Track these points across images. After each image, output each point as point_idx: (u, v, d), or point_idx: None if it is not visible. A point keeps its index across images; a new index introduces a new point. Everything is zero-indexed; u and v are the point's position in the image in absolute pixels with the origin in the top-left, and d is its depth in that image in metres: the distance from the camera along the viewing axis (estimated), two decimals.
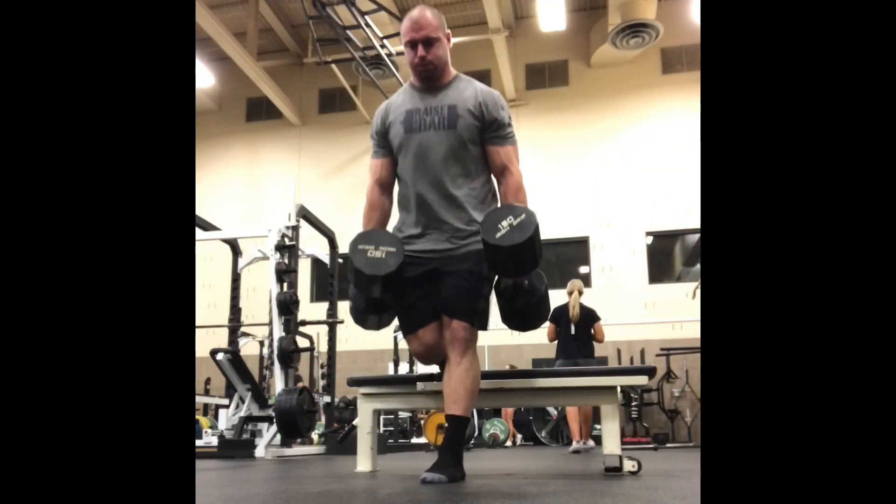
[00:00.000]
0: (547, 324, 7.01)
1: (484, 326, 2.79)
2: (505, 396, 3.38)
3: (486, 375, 3.25)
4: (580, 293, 7.81)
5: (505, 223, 2.52)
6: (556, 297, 15.22)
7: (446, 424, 2.73)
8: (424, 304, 2.75)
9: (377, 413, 3.57)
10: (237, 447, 6.50)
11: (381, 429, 6.69)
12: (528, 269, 2.66)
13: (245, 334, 8.99)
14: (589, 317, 7.76)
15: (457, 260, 2.70)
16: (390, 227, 2.92)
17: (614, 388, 3.16)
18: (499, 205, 2.81)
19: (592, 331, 7.78)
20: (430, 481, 2.44)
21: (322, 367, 9.05)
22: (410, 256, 2.74)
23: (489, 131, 2.75)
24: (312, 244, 8.82)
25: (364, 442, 3.50)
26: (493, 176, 2.84)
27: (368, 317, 2.93)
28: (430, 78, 2.75)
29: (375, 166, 2.90)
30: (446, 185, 2.72)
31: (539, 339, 14.05)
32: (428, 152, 2.71)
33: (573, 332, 7.64)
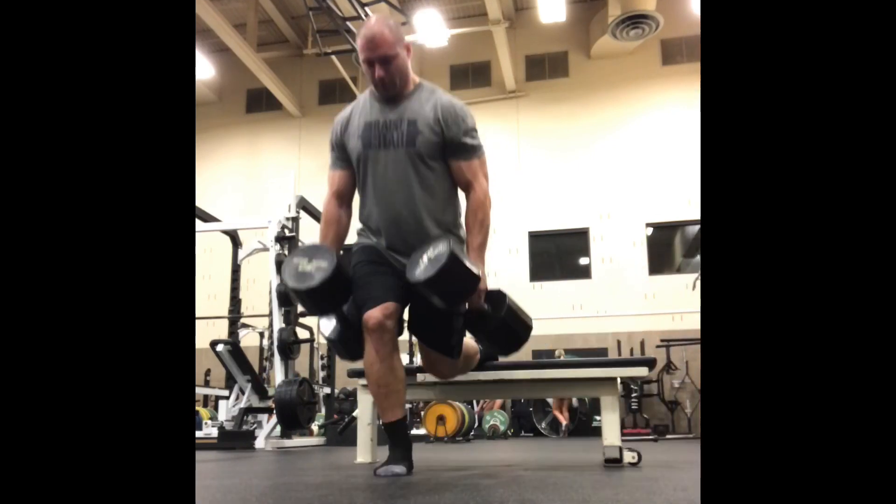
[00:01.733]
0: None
1: (460, 353, 2.82)
2: (505, 388, 3.38)
3: (487, 367, 3.26)
4: None
5: (424, 258, 2.44)
6: (555, 291, 15.17)
7: (390, 429, 2.64)
8: (389, 280, 2.60)
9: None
10: (237, 438, 6.51)
11: (381, 421, 6.69)
12: (459, 297, 2.54)
13: (245, 325, 9.00)
14: None
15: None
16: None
17: (614, 379, 3.16)
18: (462, 220, 2.74)
19: None
20: (384, 475, 2.42)
21: (322, 358, 9.06)
22: (383, 252, 2.66)
23: (451, 147, 2.63)
24: (312, 235, 8.80)
25: (364, 433, 3.51)
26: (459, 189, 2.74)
27: (339, 345, 2.75)
28: (390, 93, 2.62)
29: (333, 178, 2.79)
30: (406, 205, 2.61)
31: (538, 330, 14.09)
32: (386, 170, 2.61)
33: None
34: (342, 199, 2.79)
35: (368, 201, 2.69)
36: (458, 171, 2.66)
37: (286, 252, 7.05)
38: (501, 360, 3.33)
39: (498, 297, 2.66)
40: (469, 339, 2.92)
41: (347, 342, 2.72)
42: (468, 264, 2.46)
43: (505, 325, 2.64)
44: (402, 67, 2.59)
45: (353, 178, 2.76)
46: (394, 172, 2.61)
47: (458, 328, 2.72)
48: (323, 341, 9.14)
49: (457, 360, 2.83)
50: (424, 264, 2.42)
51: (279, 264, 6.95)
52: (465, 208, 2.69)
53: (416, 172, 2.60)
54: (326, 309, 2.67)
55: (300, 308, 7.26)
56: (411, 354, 8.08)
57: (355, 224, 2.84)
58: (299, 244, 2.66)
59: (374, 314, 2.52)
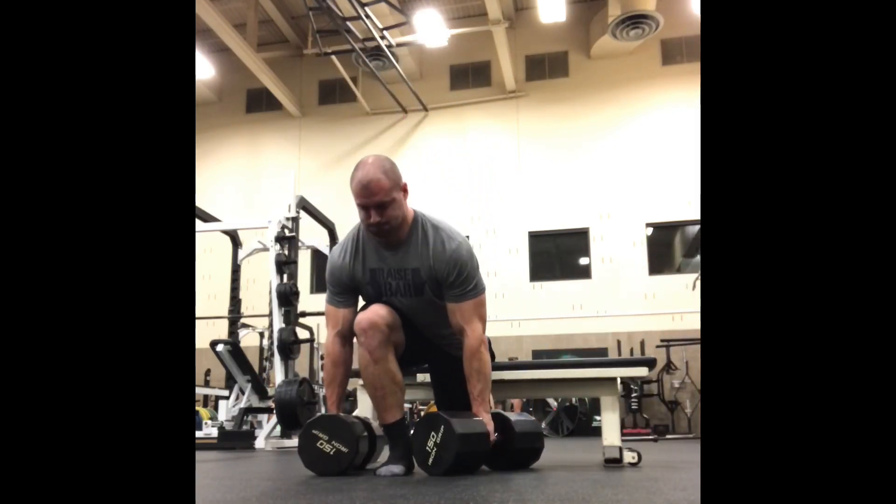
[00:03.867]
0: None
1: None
2: (506, 388, 3.38)
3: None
4: None
5: (430, 444, 2.40)
6: (555, 290, 15.17)
7: (389, 430, 2.65)
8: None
9: None
10: (237, 438, 6.52)
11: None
12: (480, 460, 2.56)
13: (245, 325, 9.01)
14: None
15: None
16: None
17: (614, 379, 3.16)
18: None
19: None
20: (384, 475, 2.42)
21: (322, 358, 9.06)
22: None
23: (445, 289, 2.58)
24: (312, 235, 8.82)
25: None
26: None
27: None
28: (387, 238, 2.56)
29: (336, 317, 2.69)
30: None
31: (539, 330, 14.14)
32: (404, 309, 2.63)
33: None
34: (346, 338, 2.69)
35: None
36: (451, 312, 2.60)
37: (286, 252, 7.05)
38: (502, 360, 3.33)
39: (503, 421, 2.75)
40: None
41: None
42: (476, 427, 2.48)
43: (519, 448, 2.79)
44: (399, 211, 2.51)
45: (354, 315, 2.67)
46: (410, 311, 2.65)
47: None
48: (323, 341, 9.17)
49: None
50: (433, 453, 2.41)
51: (279, 264, 6.96)
52: (463, 357, 2.59)
53: (434, 312, 2.64)
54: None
55: (300, 308, 7.29)
56: None
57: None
58: (320, 419, 2.58)
59: (365, 316, 2.54)
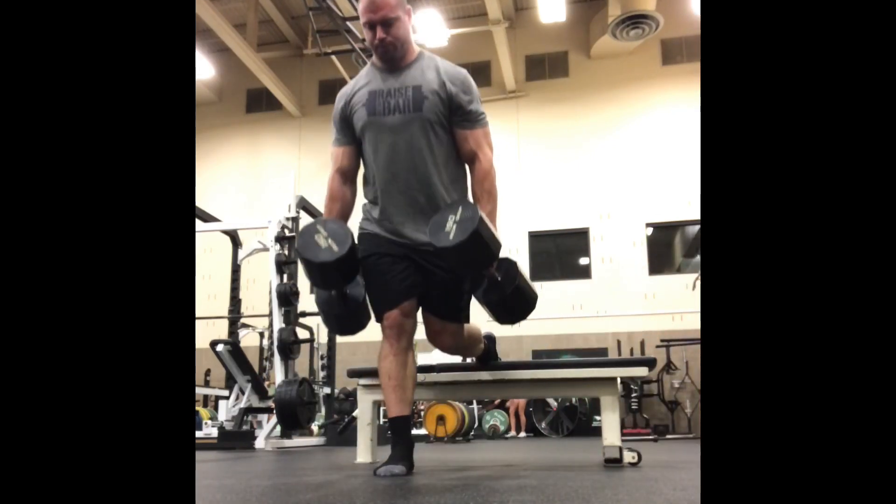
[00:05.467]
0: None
1: (468, 318, 2.80)
2: (505, 387, 3.38)
3: (488, 367, 3.26)
4: None
5: (449, 223, 2.41)
6: (555, 290, 15.16)
7: (394, 424, 2.63)
8: (403, 277, 2.64)
9: (377, 404, 3.58)
10: (237, 438, 6.51)
11: (381, 420, 6.71)
12: (484, 264, 2.52)
13: (245, 325, 9.00)
14: None
15: (435, 256, 2.56)
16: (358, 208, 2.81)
17: (614, 379, 3.16)
18: (469, 191, 2.71)
19: None
20: (384, 474, 2.40)
21: (322, 358, 9.06)
22: (387, 238, 2.66)
23: (456, 114, 2.62)
24: None
25: (364, 433, 3.50)
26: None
27: (333, 318, 2.78)
28: (392, 59, 2.61)
29: (337, 154, 2.76)
30: (415, 171, 2.60)
31: (539, 330, 14.13)
32: (394, 136, 2.59)
33: None
34: (346, 175, 2.76)
35: (374, 173, 2.67)
36: (462, 139, 2.65)
37: (286, 252, 7.05)
38: (502, 360, 3.33)
39: (509, 264, 2.65)
40: (475, 324, 2.91)
41: (341, 319, 2.75)
42: (492, 228, 2.48)
43: (517, 292, 2.63)
44: (403, 31, 2.58)
45: (356, 153, 2.74)
46: (401, 138, 2.59)
47: (466, 290, 2.71)
48: (323, 341, 9.17)
49: (462, 328, 2.79)
50: (452, 228, 2.40)
51: (279, 264, 6.96)
52: (471, 179, 2.68)
53: (426, 138, 2.59)
54: (333, 285, 2.66)
55: (300, 308, 7.29)
56: None
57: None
58: (316, 221, 2.67)
59: (393, 315, 2.60)
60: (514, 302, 2.65)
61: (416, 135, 2.58)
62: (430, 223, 2.47)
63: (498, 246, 2.50)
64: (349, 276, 2.62)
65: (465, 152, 2.66)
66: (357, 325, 2.78)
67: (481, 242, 2.41)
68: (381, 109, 2.61)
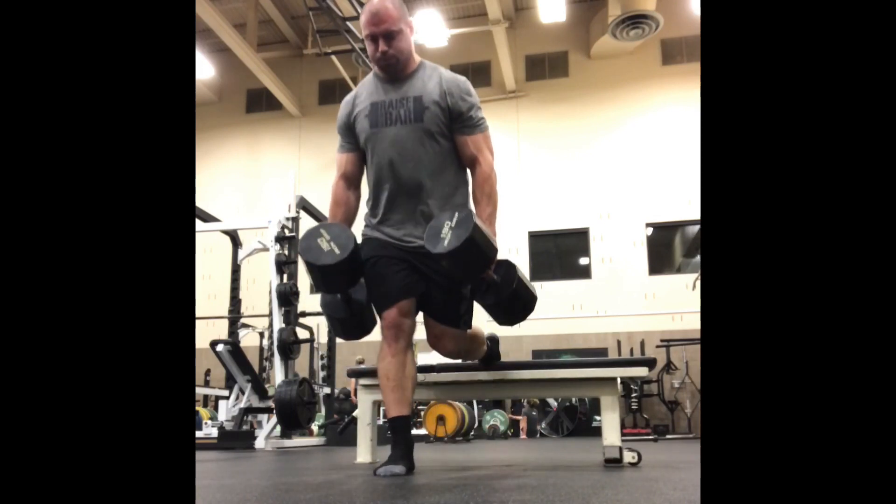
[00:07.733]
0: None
1: (469, 324, 2.80)
2: (505, 388, 3.38)
3: (487, 367, 3.26)
4: None
5: (445, 229, 2.43)
6: (555, 290, 15.16)
7: (393, 424, 2.62)
8: (402, 277, 2.63)
9: (377, 404, 3.57)
10: (237, 438, 6.52)
11: (381, 420, 6.72)
12: (480, 269, 2.53)
13: (245, 325, 9.00)
14: None
15: (432, 260, 2.55)
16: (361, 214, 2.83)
17: (614, 379, 3.16)
18: (470, 196, 2.73)
19: None
20: (384, 474, 2.39)
21: (322, 358, 9.07)
22: (387, 242, 2.66)
23: (457, 121, 2.65)
24: None
25: (364, 433, 3.50)
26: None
27: (336, 322, 2.80)
28: (394, 70, 2.64)
29: (341, 161, 2.82)
30: (416, 181, 2.62)
31: (539, 330, 14.13)
32: (396, 147, 2.62)
33: None
34: (350, 181, 2.81)
35: (376, 180, 2.70)
36: (463, 145, 2.67)
37: (286, 252, 7.05)
38: (502, 360, 3.33)
39: (507, 266, 2.66)
40: (477, 326, 2.91)
41: (345, 323, 2.78)
42: (488, 233, 2.49)
43: (515, 295, 2.64)
44: (405, 44, 2.61)
45: (360, 160, 2.79)
46: (402, 148, 2.62)
47: (466, 296, 2.72)
48: (323, 341, 9.18)
49: (464, 334, 2.79)
50: (447, 234, 2.42)
51: (279, 264, 6.96)
52: (472, 183, 2.70)
53: (424, 148, 2.62)
54: (336, 288, 2.69)
55: (300, 308, 7.29)
56: None
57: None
58: (319, 225, 2.70)
59: (391, 314, 2.60)
60: (512, 304, 2.67)
61: (417, 145, 2.62)
62: (427, 228, 2.50)
63: (494, 251, 2.52)
64: (352, 279, 2.65)
65: (466, 157, 2.69)
66: (361, 329, 2.81)
67: (476, 249, 2.43)
68: (382, 120, 2.65)
